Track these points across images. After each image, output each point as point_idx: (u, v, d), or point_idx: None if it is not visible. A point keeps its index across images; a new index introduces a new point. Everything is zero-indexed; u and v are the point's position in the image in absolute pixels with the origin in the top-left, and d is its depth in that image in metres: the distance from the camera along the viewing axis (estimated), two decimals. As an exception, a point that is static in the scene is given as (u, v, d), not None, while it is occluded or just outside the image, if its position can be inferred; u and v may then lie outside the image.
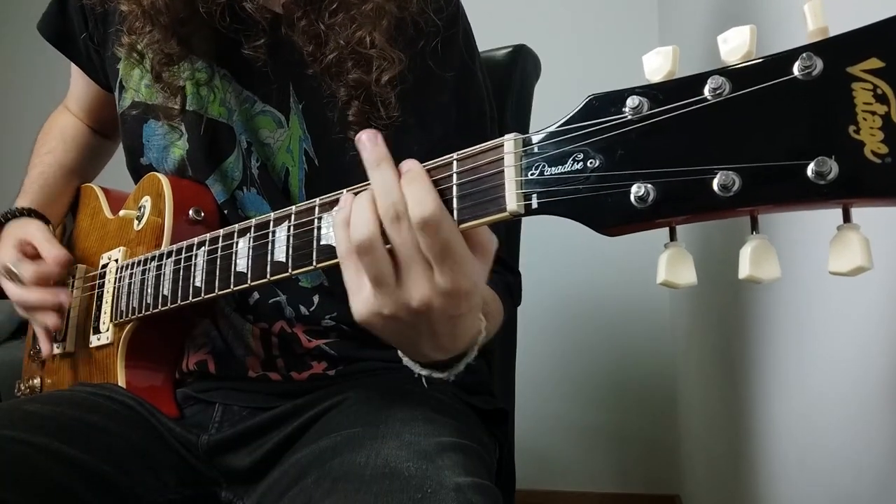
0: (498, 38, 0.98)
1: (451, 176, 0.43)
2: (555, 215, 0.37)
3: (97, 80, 0.86)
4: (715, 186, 0.31)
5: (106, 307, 0.75)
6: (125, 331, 0.72)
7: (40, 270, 0.74)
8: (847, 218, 0.30)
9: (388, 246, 0.43)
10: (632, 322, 1.71)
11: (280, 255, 0.53)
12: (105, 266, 0.77)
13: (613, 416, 1.73)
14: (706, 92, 0.32)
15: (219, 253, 0.60)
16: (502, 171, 0.40)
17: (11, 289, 0.75)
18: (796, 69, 0.30)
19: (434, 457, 0.51)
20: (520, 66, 0.98)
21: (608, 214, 0.35)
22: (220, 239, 0.60)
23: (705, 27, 1.12)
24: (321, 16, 0.64)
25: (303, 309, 0.71)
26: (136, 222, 0.76)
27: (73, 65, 0.87)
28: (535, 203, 0.38)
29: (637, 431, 1.71)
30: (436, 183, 0.43)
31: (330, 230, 0.49)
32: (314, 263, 0.50)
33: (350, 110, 0.65)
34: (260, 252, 0.55)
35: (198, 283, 0.61)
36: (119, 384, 0.71)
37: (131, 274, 0.71)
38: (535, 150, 0.39)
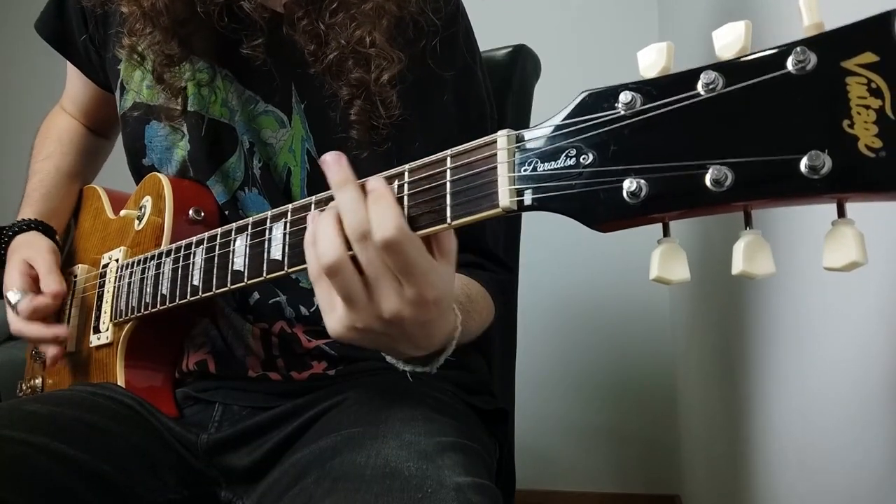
0: (498, 38, 0.98)
1: (444, 172, 0.43)
2: (548, 211, 0.37)
3: (96, 81, 0.86)
4: (707, 181, 0.31)
5: (106, 307, 0.75)
6: (125, 330, 0.72)
7: (37, 305, 0.74)
8: (841, 213, 0.30)
9: (351, 254, 0.44)
10: (632, 322, 1.70)
11: (276, 253, 0.53)
12: (106, 266, 0.77)
13: (613, 416, 1.73)
14: (699, 87, 0.32)
15: (216, 251, 0.60)
16: (495, 167, 0.40)
17: (11, 319, 0.76)
18: (790, 64, 0.30)
19: (434, 457, 0.51)
20: (520, 66, 0.98)
21: (601, 210, 0.35)
22: (218, 237, 0.60)
23: (705, 27, 1.12)
24: (322, 15, 0.65)
25: (303, 309, 0.71)
26: (136, 222, 0.76)
27: (69, 65, 0.88)
28: (527, 199, 0.38)
29: (637, 431, 1.71)
30: (429, 179, 0.44)
31: None
32: None
33: (352, 110, 0.65)
34: (256, 250, 0.55)
35: (196, 282, 0.62)
36: (119, 384, 0.71)
37: (131, 273, 0.71)
38: (528, 146, 0.39)
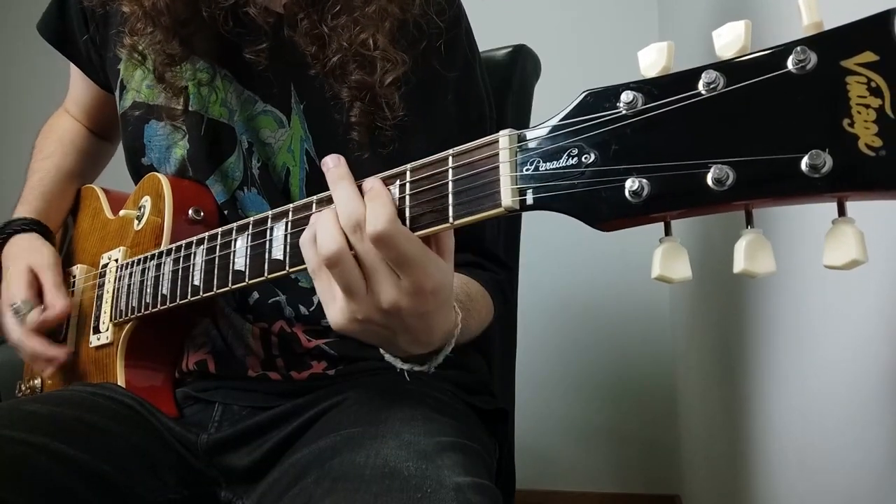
0: (498, 38, 0.98)
1: (446, 172, 0.43)
2: (550, 210, 0.37)
3: (97, 81, 0.86)
4: (709, 180, 0.31)
5: (106, 307, 0.75)
6: (125, 330, 0.72)
7: (45, 319, 0.74)
8: (842, 211, 0.30)
9: (353, 253, 0.45)
10: (632, 322, 1.70)
11: (278, 253, 0.53)
12: (105, 266, 0.77)
13: (613, 416, 1.73)
14: (700, 86, 0.32)
15: (217, 252, 0.60)
16: (497, 166, 0.40)
17: (12, 327, 0.75)
18: (790, 63, 0.30)
19: (434, 456, 0.51)
20: (520, 66, 0.98)
21: (603, 209, 0.35)
22: (219, 237, 0.60)
23: (705, 27, 1.12)
24: (324, 17, 0.65)
25: (302, 309, 0.71)
26: (136, 222, 0.76)
27: (72, 66, 0.88)
28: (529, 198, 0.39)
29: (637, 431, 1.71)
30: (431, 179, 0.44)
31: None
32: None
33: (353, 111, 0.65)
34: (258, 251, 0.55)
35: (196, 282, 0.61)
36: (119, 384, 0.71)
37: (131, 273, 0.71)
38: (530, 145, 0.39)
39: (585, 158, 0.36)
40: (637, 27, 1.73)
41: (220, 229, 0.60)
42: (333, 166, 0.47)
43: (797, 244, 0.61)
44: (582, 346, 1.75)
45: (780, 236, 0.64)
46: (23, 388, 0.88)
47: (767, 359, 0.77)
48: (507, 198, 0.39)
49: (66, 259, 0.88)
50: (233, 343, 0.72)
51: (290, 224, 0.52)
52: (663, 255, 0.34)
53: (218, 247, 0.60)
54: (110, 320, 0.74)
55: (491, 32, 0.95)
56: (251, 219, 0.57)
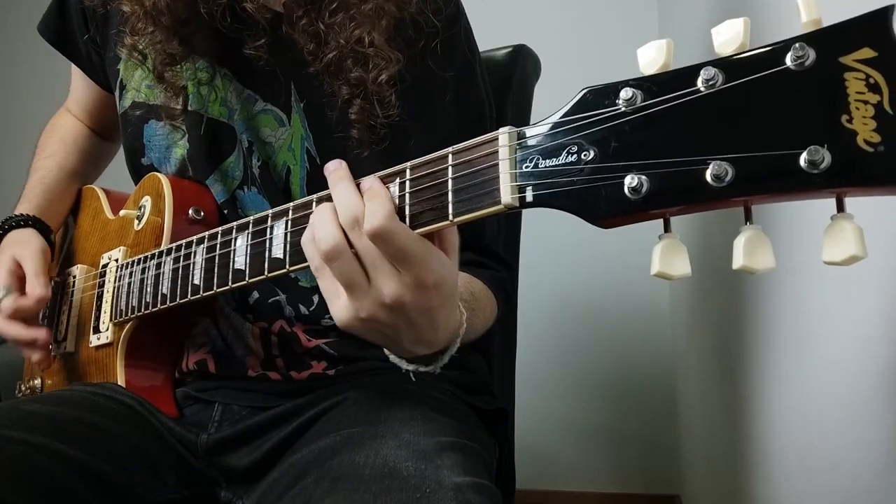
0: (498, 38, 0.98)
1: (446, 169, 0.43)
2: (549, 207, 0.38)
3: (97, 81, 0.86)
4: (708, 177, 0.31)
5: (106, 307, 0.75)
6: (125, 330, 0.72)
7: (18, 307, 0.74)
8: (841, 207, 0.30)
9: (353, 250, 0.45)
10: (632, 322, 1.70)
11: (278, 251, 0.53)
12: (105, 266, 0.77)
13: (613, 416, 1.73)
14: (699, 83, 0.32)
15: (217, 250, 0.60)
16: (497, 164, 0.40)
17: None
18: (789, 60, 0.30)
19: (433, 456, 0.51)
20: (520, 66, 0.98)
21: (602, 206, 0.35)
22: (219, 236, 0.60)
23: (705, 27, 1.12)
24: (321, 15, 0.65)
25: (302, 308, 0.71)
26: (136, 222, 0.76)
27: (73, 66, 0.88)
28: (529, 196, 0.39)
29: (637, 431, 1.71)
30: (431, 177, 0.44)
31: None
32: None
33: (352, 109, 0.65)
34: (258, 249, 0.55)
35: (196, 281, 0.61)
36: (119, 384, 0.71)
37: (131, 273, 0.71)
38: (530, 143, 0.39)
39: (585, 155, 0.36)
40: (637, 27, 1.73)
41: (220, 228, 0.60)
42: (334, 170, 0.48)
43: (796, 240, 0.61)
44: (582, 346, 1.75)
45: (779, 233, 0.64)
46: (23, 388, 0.88)
47: (767, 358, 0.77)
48: (507, 195, 0.39)
49: (67, 259, 0.88)
50: (233, 343, 0.72)
51: (290, 223, 0.52)
52: (662, 252, 0.34)
53: (218, 246, 0.60)
54: (110, 320, 0.74)
55: (491, 32, 0.95)
56: (251, 218, 0.57)
